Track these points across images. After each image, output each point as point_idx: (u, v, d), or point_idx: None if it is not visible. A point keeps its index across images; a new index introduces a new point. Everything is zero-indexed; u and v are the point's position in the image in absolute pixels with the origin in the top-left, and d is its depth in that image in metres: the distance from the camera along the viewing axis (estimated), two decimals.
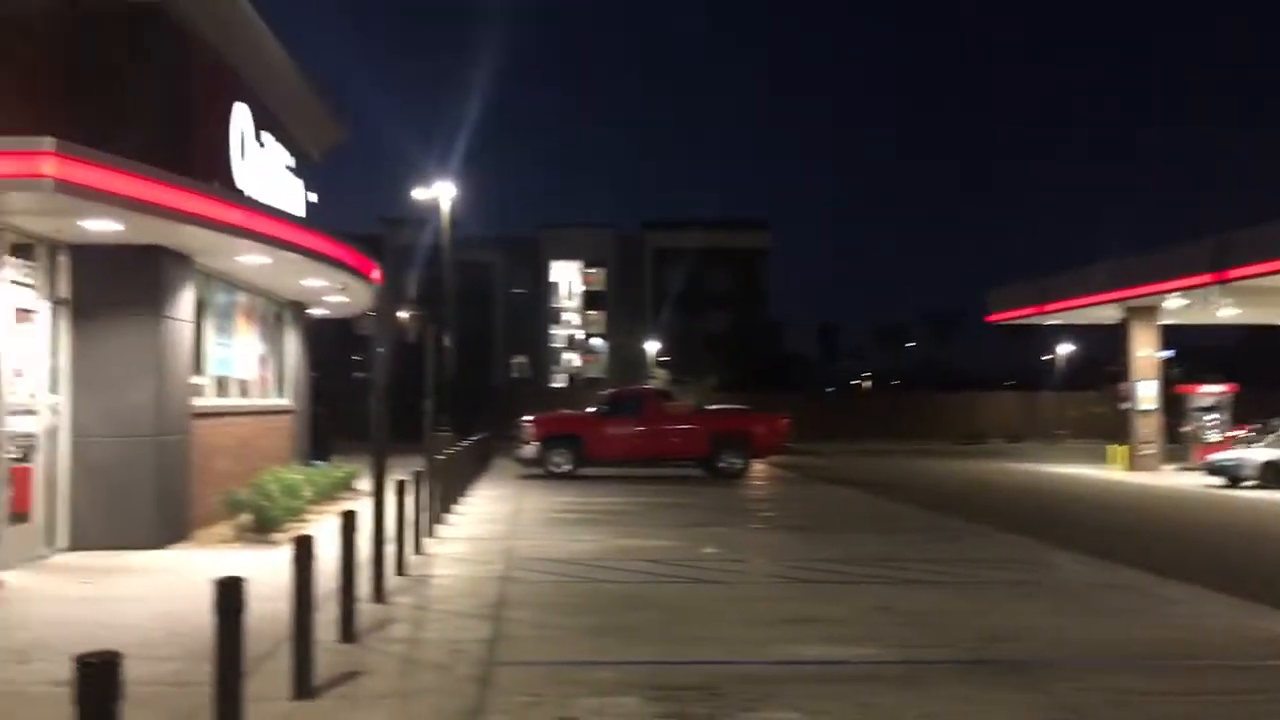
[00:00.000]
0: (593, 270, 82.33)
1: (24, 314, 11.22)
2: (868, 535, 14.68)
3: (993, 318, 37.35)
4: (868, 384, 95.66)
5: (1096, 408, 51.15)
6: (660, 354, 63.08)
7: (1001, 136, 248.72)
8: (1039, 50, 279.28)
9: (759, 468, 28.44)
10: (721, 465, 25.03)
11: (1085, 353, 61.22)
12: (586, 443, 24.97)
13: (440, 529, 14.14)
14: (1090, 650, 7.90)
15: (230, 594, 4.73)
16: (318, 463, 19.06)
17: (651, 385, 44.69)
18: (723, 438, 25.23)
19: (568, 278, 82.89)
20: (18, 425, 11.03)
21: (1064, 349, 61.28)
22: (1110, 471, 30.55)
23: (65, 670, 3.48)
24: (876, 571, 11.39)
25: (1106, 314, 32.04)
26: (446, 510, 15.60)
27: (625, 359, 60.12)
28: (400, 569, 10.43)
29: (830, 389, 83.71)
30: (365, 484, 19.19)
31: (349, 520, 7.68)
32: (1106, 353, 55.80)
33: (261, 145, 15.75)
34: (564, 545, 13.17)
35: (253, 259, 13.84)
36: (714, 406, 30.25)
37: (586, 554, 12.42)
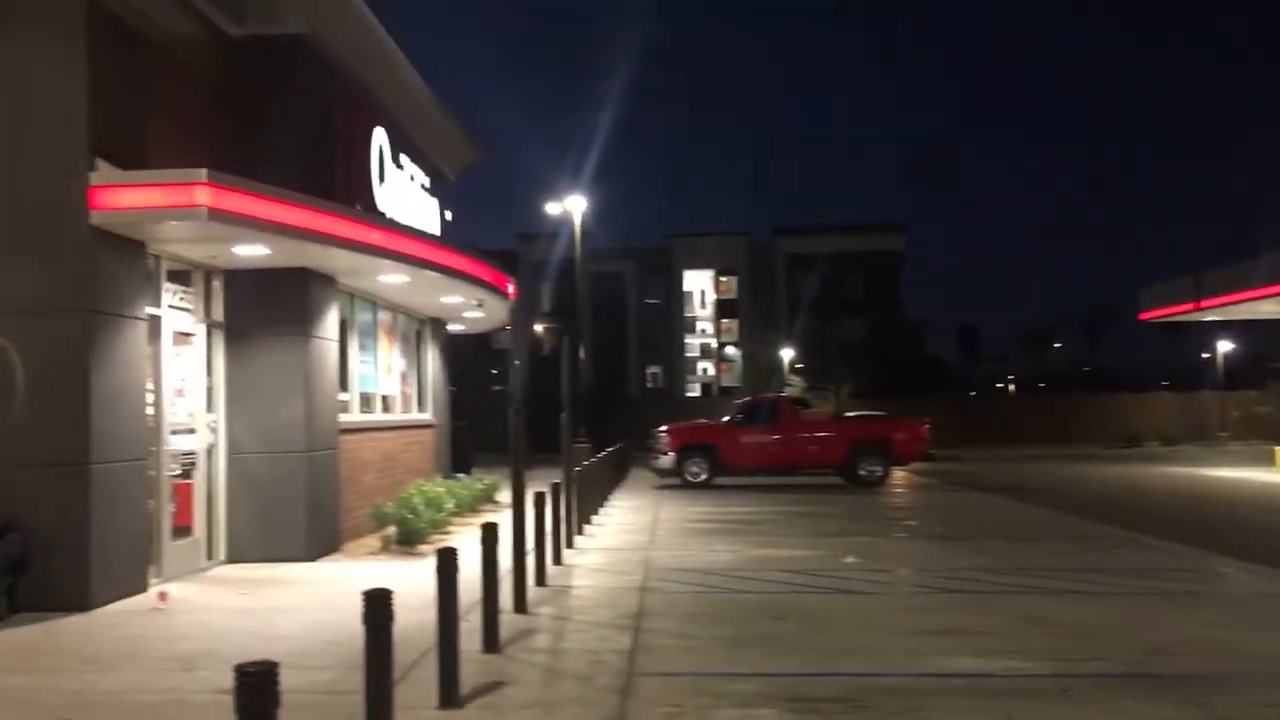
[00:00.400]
0: (725, 278, 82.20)
1: (182, 337, 11.78)
2: (1016, 543, 14.22)
3: (1146, 315, 35.70)
4: (1012, 387, 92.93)
5: (1261, 407, 48.49)
6: (795, 361, 62.53)
7: (1158, 124, 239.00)
8: (1197, 36, 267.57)
9: (899, 475, 27.88)
10: (861, 473, 24.61)
11: (1247, 350, 58.23)
12: (722, 452, 24.90)
13: (579, 540, 14.27)
14: (1256, 664, 7.46)
15: (379, 607, 4.85)
16: (459, 476, 19.47)
17: (787, 393, 44.29)
18: (861, 444, 24.82)
19: (700, 286, 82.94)
20: (179, 443, 11.58)
21: (1224, 346, 58.35)
22: (1278, 475, 28.91)
23: (227, 679, 3.61)
24: (1026, 581, 11.01)
25: (1270, 309, 30.32)
26: (585, 521, 15.74)
27: (760, 367, 59.79)
28: (540, 580, 10.55)
29: (972, 393, 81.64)
30: (505, 496, 19.57)
31: (490, 533, 7.81)
32: (1271, 349, 53.06)
33: (399, 167, 16.21)
34: (702, 555, 13.13)
35: (393, 278, 14.24)
36: (852, 413, 29.81)
37: (724, 564, 12.36)
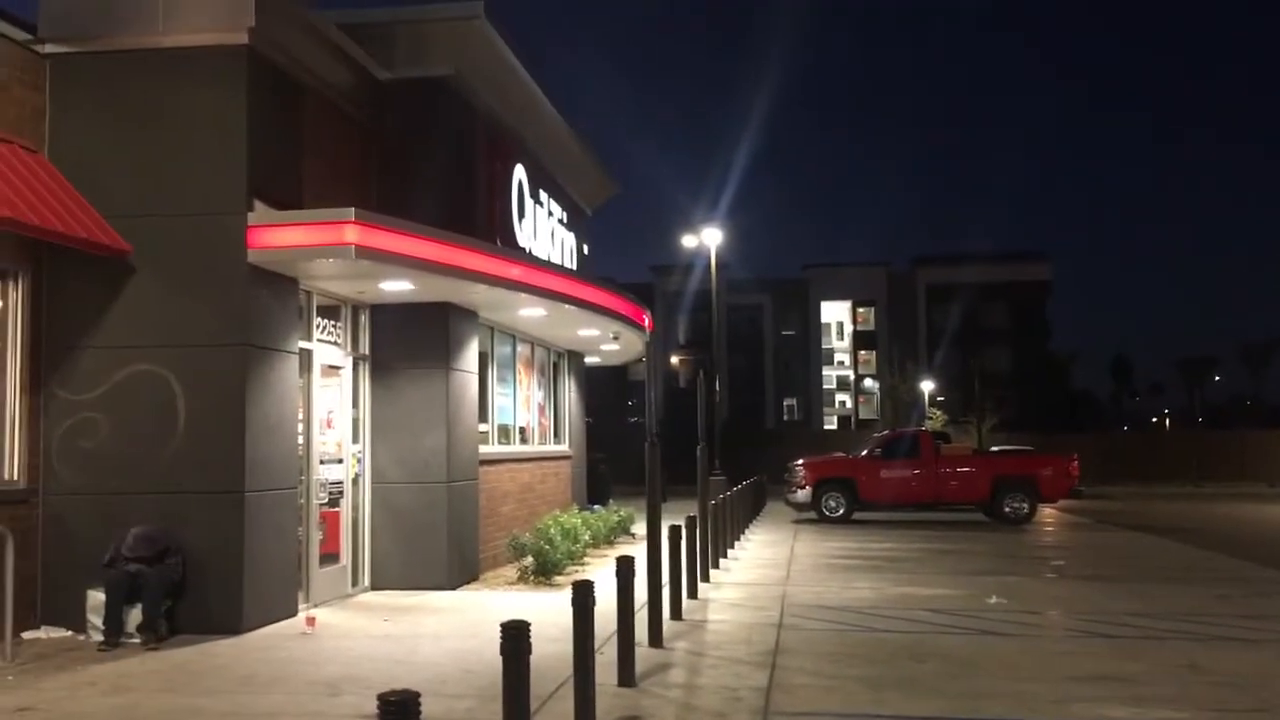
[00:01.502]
0: (863, 309, 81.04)
1: (330, 370, 12.20)
2: (1172, 586, 13.52)
3: None
4: (1168, 421, 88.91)
5: None
6: (935, 394, 61.14)
7: None
8: None
9: (1046, 512, 26.89)
10: (1005, 510, 23.83)
11: None
12: (861, 486, 24.46)
13: (715, 574, 14.16)
14: None
15: (516, 638, 4.88)
16: (595, 507, 19.59)
17: (928, 426, 43.29)
18: (1006, 480, 24.04)
19: (837, 317, 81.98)
20: (327, 473, 11.97)
21: None
22: None
23: (371, 703, 3.70)
24: (1183, 626, 10.45)
25: None
26: (721, 555, 15.63)
27: (898, 400, 58.61)
28: (676, 614, 10.49)
29: (1125, 428, 78.40)
30: (641, 529, 19.60)
31: (625, 566, 7.80)
32: None
33: (538, 203, 16.53)
34: (840, 592, 12.88)
35: (532, 312, 14.48)
36: (998, 448, 28.96)
37: (864, 601, 12.09)
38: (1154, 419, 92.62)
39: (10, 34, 10.05)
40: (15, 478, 9.84)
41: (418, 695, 3.46)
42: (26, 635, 9.42)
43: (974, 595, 12.53)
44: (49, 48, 10.38)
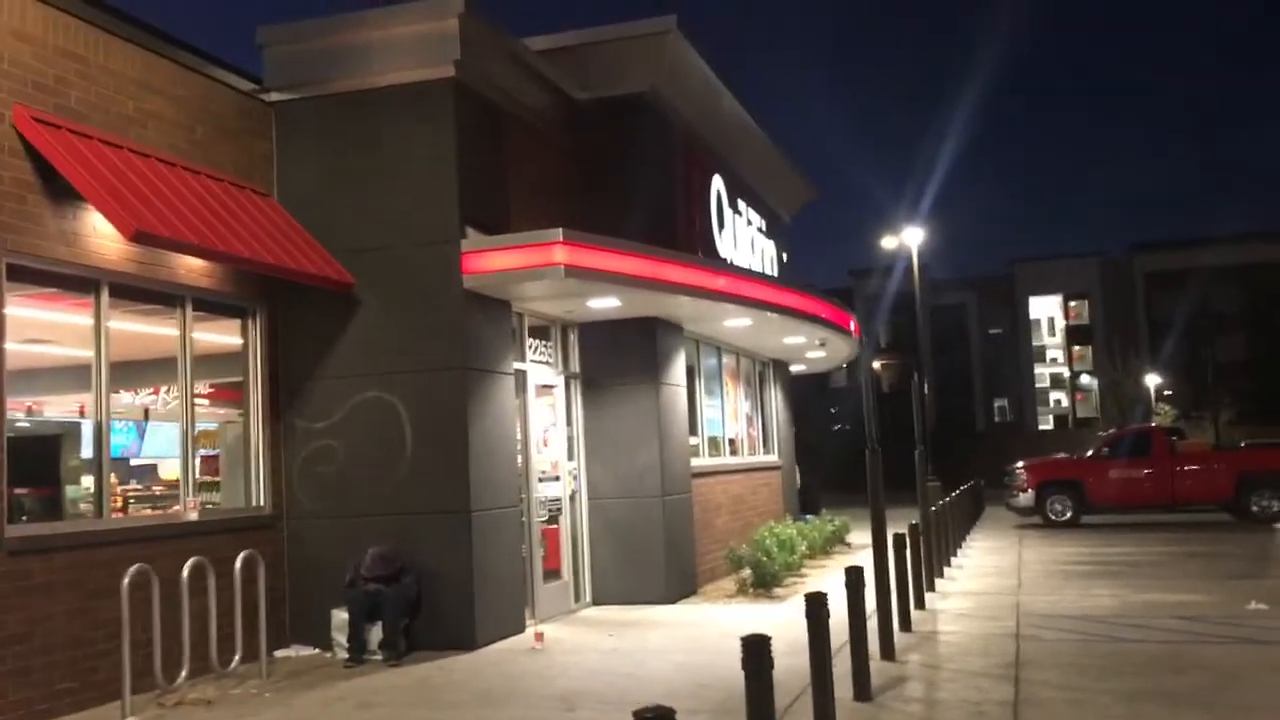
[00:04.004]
0: (1075, 302, 77.24)
1: (544, 389, 12.43)
2: None
3: None
4: None
5: None
6: (1162, 388, 57.59)
7: None
8: None
9: None
10: (1254, 508, 22.10)
11: None
12: (1089, 488, 23.17)
13: (939, 583, 13.65)
14: None
15: (758, 653, 4.77)
16: (808, 517, 19.28)
17: (1156, 422, 40.83)
18: (1254, 477, 22.30)
19: (1047, 313, 78.41)
20: (545, 490, 12.19)
21: None
22: None
23: (607, 718, 3.64)
24: None
25: None
26: (944, 563, 15.07)
27: (1120, 395, 55.50)
28: (905, 625, 10.13)
29: None
30: (855, 538, 19.17)
31: (855, 576, 7.58)
32: None
33: (737, 212, 16.44)
34: (1078, 600, 12.17)
35: (737, 322, 14.38)
36: (1248, 441, 27.03)
37: (1106, 609, 11.38)
38: None
39: (238, 85, 10.71)
40: (262, 504, 10.43)
41: (672, 712, 3.38)
42: (279, 654, 9.94)
43: (1230, 601, 11.61)
44: (273, 96, 11.01)
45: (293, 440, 10.68)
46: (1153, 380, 55.39)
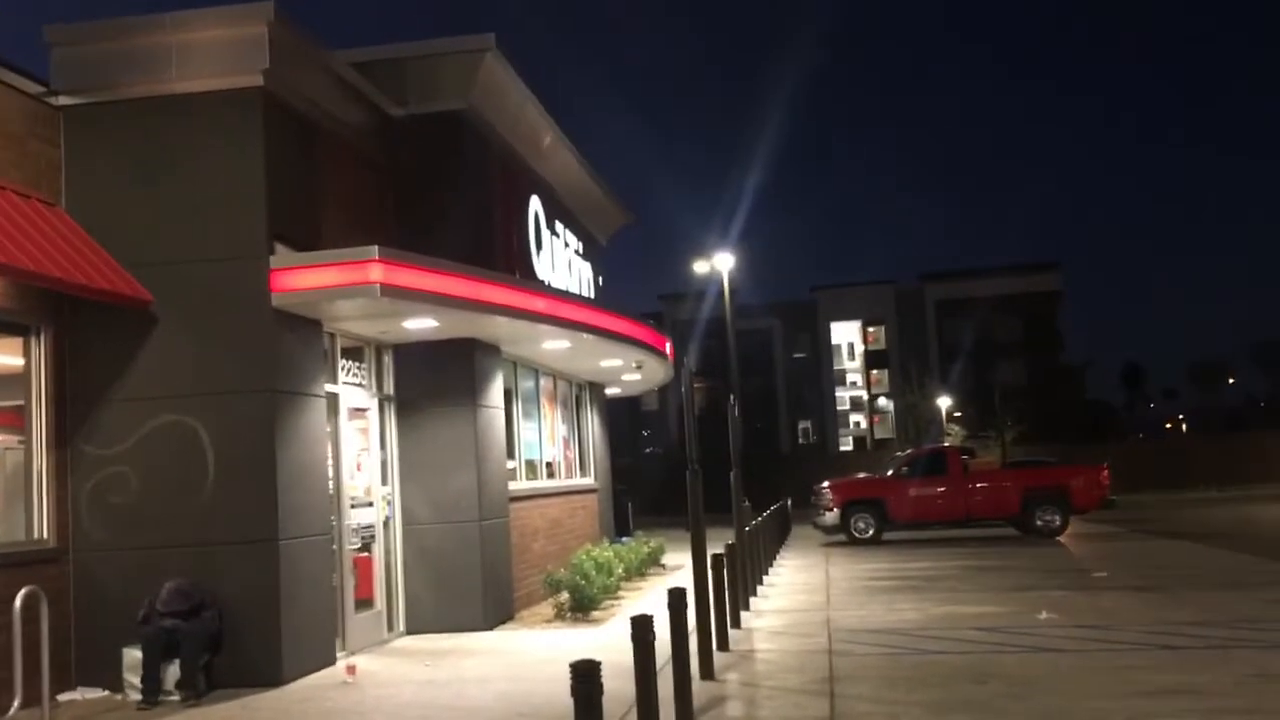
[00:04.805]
0: (873, 328, 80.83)
1: (357, 412, 12.02)
2: (1221, 593, 13.22)
3: None
4: (1184, 426, 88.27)
5: None
6: (952, 409, 60.75)
7: None
8: None
9: (1076, 524, 26.51)
10: (1038, 523, 23.49)
11: None
12: (890, 506, 24.12)
13: (754, 601, 13.89)
14: None
15: (587, 679, 4.68)
16: (623, 539, 19.34)
17: (948, 442, 42.95)
18: (1037, 493, 23.71)
19: (848, 338, 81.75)
20: (358, 517, 11.77)
21: None
22: None
23: None
24: (1242, 634, 10.17)
25: None
26: (757, 582, 15.36)
27: (914, 417, 58.23)
28: (723, 644, 10.24)
29: (1141, 435, 77.84)
30: (670, 559, 19.34)
31: (678, 598, 7.58)
32: None
33: (555, 234, 16.40)
34: (884, 615, 12.60)
35: (556, 344, 14.32)
36: (1019, 460, 28.64)
37: (911, 623, 11.82)
38: (1168, 425, 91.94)
39: (23, 87, 9.96)
40: (45, 536, 9.65)
41: None
42: (62, 698, 9.19)
43: (1022, 611, 12.25)
44: (62, 99, 10.29)
45: (81, 467, 9.94)
46: (944, 402, 58.35)
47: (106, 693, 9.45)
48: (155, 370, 10.00)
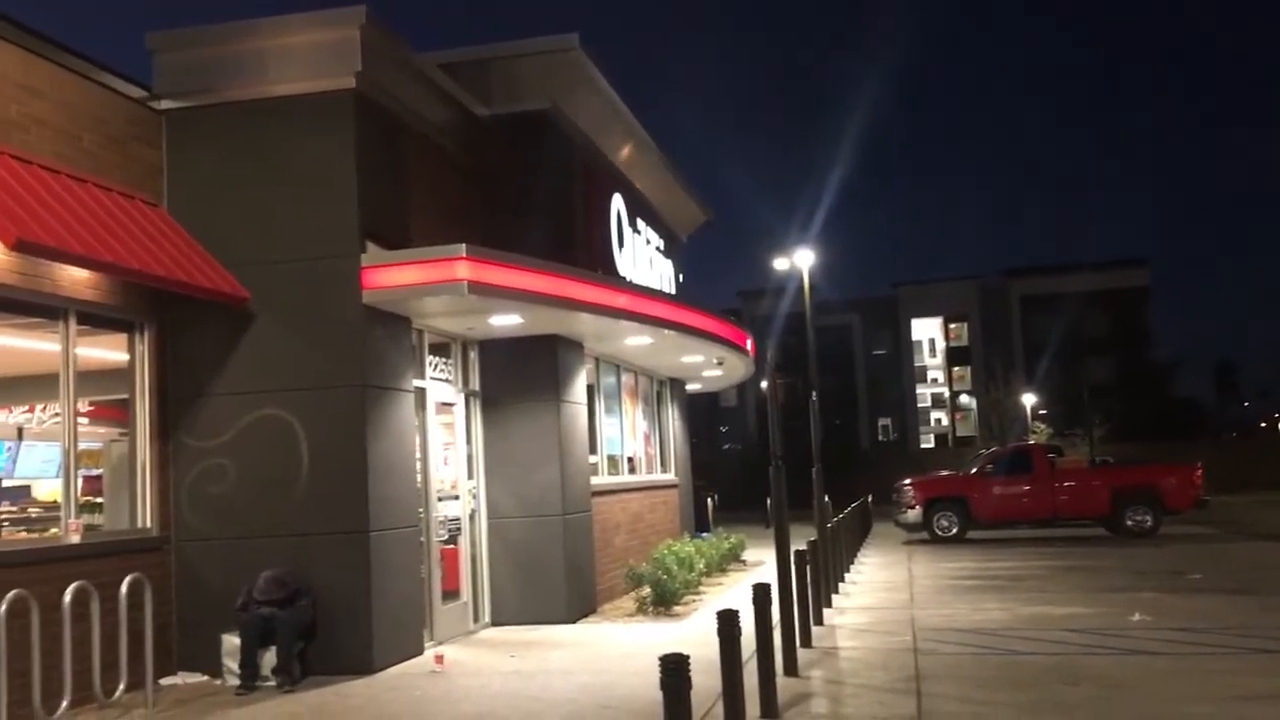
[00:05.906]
0: (955, 324, 79.59)
1: (444, 407, 12.23)
2: None
3: None
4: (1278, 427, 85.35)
5: None
6: (1037, 407, 59.61)
7: None
8: None
9: (1167, 525, 25.87)
10: (1128, 523, 22.98)
11: None
12: (974, 504, 23.80)
13: (836, 599, 13.82)
14: None
15: (676, 673, 4.73)
16: (703, 534, 19.37)
17: (1033, 440, 42.19)
18: (1128, 492, 23.18)
19: (929, 334, 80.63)
20: (445, 510, 11.98)
21: None
22: None
23: None
24: None
25: None
26: (839, 579, 15.28)
27: (998, 415, 57.21)
28: (806, 641, 10.21)
29: (1234, 434, 75.47)
30: (750, 554, 19.33)
31: (762, 593, 7.60)
32: None
33: (636, 231, 16.49)
34: (970, 614, 12.46)
35: (638, 340, 14.40)
36: (1106, 459, 28.07)
37: (997, 623, 11.67)
38: (1263, 424, 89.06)
39: (127, 92, 10.32)
40: (148, 525, 10.01)
41: None
42: (164, 681, 9.52)
43: (1113, 613, 12.01)
44: (164, 103, 10.64)
45: (182, 459, 10.28)
46: (1028, 399, 57.26)
47: (206, 678, 9.76)
48: (252, 365, 10.30)
